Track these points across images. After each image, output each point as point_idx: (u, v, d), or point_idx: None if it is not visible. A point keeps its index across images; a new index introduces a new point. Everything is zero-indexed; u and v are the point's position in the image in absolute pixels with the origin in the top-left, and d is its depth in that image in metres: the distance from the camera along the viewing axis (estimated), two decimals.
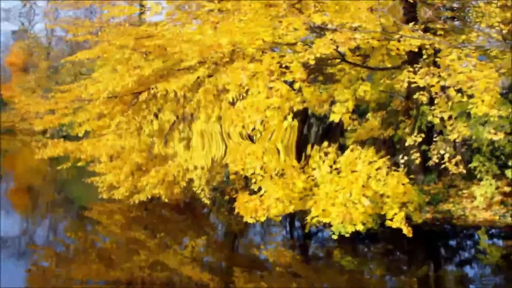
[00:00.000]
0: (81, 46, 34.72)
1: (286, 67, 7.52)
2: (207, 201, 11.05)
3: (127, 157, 10.66)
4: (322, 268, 8.17)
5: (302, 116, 14.80)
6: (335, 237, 7.75)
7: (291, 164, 7.97)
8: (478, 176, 9.75)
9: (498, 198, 9.54)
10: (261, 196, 7.95)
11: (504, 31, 8.10)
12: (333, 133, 12.19)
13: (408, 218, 7.39)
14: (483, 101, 7.43)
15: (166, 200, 11.03)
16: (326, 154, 7.83)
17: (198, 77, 10.03)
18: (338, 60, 10.59)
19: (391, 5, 9.70)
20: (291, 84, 8.07)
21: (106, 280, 7.03)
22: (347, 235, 7.61)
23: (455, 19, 10.77)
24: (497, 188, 9.51)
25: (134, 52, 10.65)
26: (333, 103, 10.12)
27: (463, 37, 8.32)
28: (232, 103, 9.41)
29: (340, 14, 8.49)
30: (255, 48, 8.21)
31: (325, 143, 8.06)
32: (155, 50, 10.27)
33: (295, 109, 7.69)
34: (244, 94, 8.50)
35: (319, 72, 12.20)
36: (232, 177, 12.03)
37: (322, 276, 7.58)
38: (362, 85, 10.29)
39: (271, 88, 7.34)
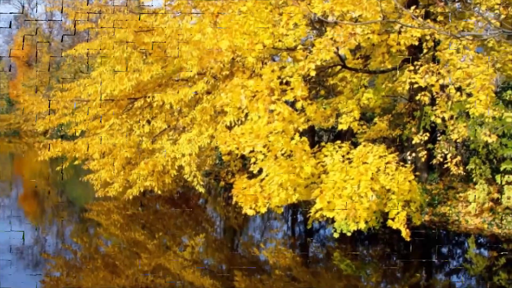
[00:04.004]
0: (82, 38, 35.01)
1: (287, 83, 7.22)
2: (202, 189, 10.76)
3: (117, 153, 10.75)
4: (321, 272, 8.09)
5: (309, 133, 14.74)
6: (336, 235, 7.62)
7: (303, 147, 7.19)
8: (474, 179, 9.55)
9: (488, 204, 9.34)
10: (261, 180, 7.23)
11: (502, 16, 7.99)
12: (344, 137, 12.18)
13: (407, 220, 7.32)
14: (480, 100, 7.53)
15: (159, 192, 11.05)
16: (340, 147, 7.78)
17: (196, 93, 10.08)
18: (338, 68, 10.53)
19: None
20: (292, 104, 7.84)
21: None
22: (349, 234, 7.53)
23: (456, 0, 10.64)
24: (488, 193, 9.30)
25: (134, 51, 10.63)
26: (338, 115, 10.15)
27: (463, 23, 8.27)
28: (229, 127, 9.24)
29: (340, 0, 8.35)
30: (255, 57, 7.93)
31: (338, 141, 8.02)
32: (155, 50, 10.20)
33: (300, 129, 7.32)
34: (243, 119, 8.24)
35: (320, 85, 12.24)
36: (225, 158, 11.90)
37: (321, 281, 7.53)
38: (365, 93, 10.21)
39: (272, 111, 6.97)
